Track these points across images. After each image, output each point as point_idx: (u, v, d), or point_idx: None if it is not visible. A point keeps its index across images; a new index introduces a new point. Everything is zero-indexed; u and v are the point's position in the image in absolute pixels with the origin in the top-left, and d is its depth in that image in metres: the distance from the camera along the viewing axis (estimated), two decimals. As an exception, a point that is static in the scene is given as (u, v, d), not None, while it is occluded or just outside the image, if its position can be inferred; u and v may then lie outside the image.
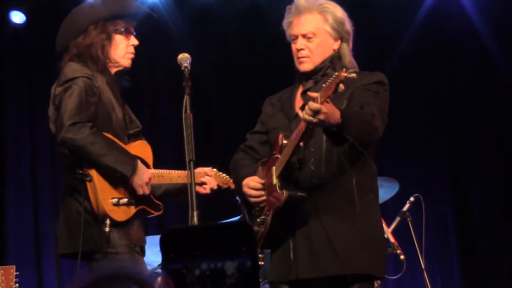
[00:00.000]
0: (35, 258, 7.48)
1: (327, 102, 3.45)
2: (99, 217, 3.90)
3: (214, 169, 4.38)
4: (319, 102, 3.43)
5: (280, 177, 3.80)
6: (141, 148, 4.16)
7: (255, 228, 3.86)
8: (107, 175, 3.92)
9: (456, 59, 7.86)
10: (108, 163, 3.89)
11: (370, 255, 3.79)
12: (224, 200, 6.62)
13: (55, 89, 4.06)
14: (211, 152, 6.17)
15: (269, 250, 4.01)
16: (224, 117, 7.69)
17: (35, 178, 7.72)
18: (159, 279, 1.79)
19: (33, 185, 7.71)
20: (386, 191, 5.86)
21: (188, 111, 3.69)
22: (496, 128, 7.78)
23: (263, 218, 3.85)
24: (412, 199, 5.76)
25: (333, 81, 3.45)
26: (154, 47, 7.60)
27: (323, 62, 3.94)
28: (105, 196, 3.91)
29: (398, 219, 5.73)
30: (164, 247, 1.95)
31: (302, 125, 3.62)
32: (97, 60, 4.09)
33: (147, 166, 4.13)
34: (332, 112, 3.48)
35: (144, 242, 4.12)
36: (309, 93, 3.61)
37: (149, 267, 4.42)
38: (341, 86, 3.43)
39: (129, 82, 4.27)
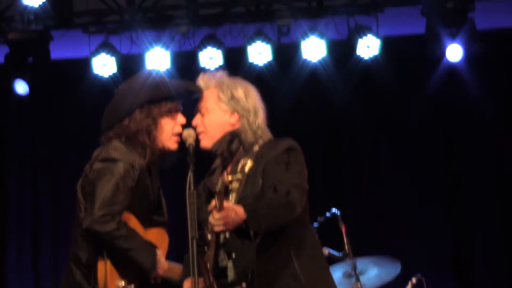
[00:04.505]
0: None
1: (228, 206, 3.49)
2: None
3: None
4: (218, 210, 3.48)
5: (214, 274, 3.74)
6: (158, 236, 4.10)
7: None
8: (120, 258, 3.91)
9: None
10: (131, 257, 3.89)
11: None
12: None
13: (94, 164, 4.00)
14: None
15: None
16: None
17: (36, 246, 7.74)
18: None
19: (34, 254, 7.72)
20: (388, 272, 5.82)
21: (192, 188, 3.68)
22: (502, 211, 7.78)
23: None
24: (414, 280, 5.71)
25: (220, 186, 3.47)
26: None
27: (221, 138, 3.94)
28: (113, 279, 3.90)
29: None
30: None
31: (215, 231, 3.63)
32: (144, 145, 4.01)
33: None
34: (233, 215, 3.51)
35: None
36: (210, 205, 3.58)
37: None
38: (234, 185, 3.50)
39: (172, 163, 4.17)
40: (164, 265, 4.00)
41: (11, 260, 7.71)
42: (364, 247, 6.19)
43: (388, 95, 7.92)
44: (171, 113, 4.08)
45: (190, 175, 3.70)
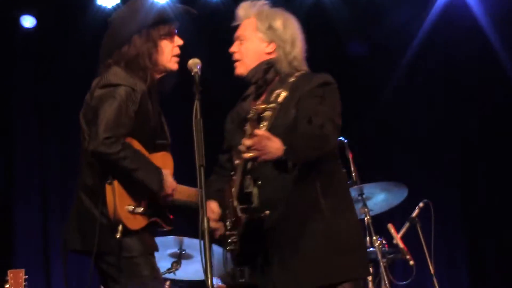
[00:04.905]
0: (44, 262, 7.49)
1: (261, 134, 3.50)
2: (112, 222, 3.90)
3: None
4: (248, 136, 3.51)
5: (239, 199, 3.76)
6: (163, 160, 4.13)
7: (229, 248, 3.85)
8: (127, 181, 3.93)
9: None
10: (138, 177, 3.90)
11: (344, 260, 3.75)
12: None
13: (95, 91, 4.02)
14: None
15: None
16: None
17: (43, 179, 7.75)
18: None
19: (42, 188, 7.73)
20: (394, 196, 5.86)
21: (199, 116, 3.69)
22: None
23: (234, 239, 3.82)
24: (421, 204, 5.76)
25: (254, 113, 3.51)
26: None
27: (257, 67, 3.97)
28: (122, 202, 3.91)
29: (407, 224, 5.73)
30: None
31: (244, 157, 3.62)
32: (145, 69, 4.06)
33: None
34: (269, 144, 3.52)
35: (156, 248, 4.12)
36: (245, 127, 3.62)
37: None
38: (267, 113, 3.51)
39: (173, 84, 4.24)
40: (172, 183, 4.02)
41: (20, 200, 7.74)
42: (371, 174, 6.23)
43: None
44: (169, 35, 4.16)
45: (196, 104, 3.71)
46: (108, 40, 4.16)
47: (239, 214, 3.74)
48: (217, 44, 7.70)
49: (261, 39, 4.00)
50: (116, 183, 3.90)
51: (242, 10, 4.09)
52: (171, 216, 4.14)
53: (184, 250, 5.89)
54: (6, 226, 7.57)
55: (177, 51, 4.19)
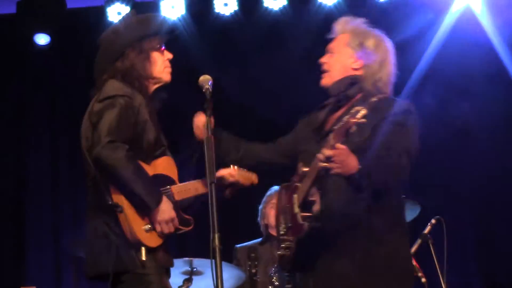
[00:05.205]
0: (56, 279, 7.49)
1: (342, 148, 3.53)
2: (132, 244, 3.88)
3: (235, 167, 4.41)
4: (330, 147, 3.53)
5: (301, 207, 3.80)
6: (165, 164, 4.15)
7: (281, 251, 3.89)
8: (136, 203, 3.91)
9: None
10: (136, 190, 3.87)
11: (389, 283, 3.77)
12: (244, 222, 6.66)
13: (94, 105, 4.05)
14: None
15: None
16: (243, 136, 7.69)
17: (55, 198, 7.76)
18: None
19: (53, 205, 7.74)
20: (407, 213, 5.82)
21: (210, 132, 3.68)
22: None
23: (288, 244, 3.86)
24: (433, 221, 5.73)
25: (342, 126, 3.52)
26: (174, 68, 7.64)
27: (341, 80, 4.01)
28: (138, 225, 3.90)
29: (419, 241, 5.69)
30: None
31: (318, 166, 3.65)
32: (140, 79, 4.14)
33: (172, 181, 4.13)
34: (346, 160, 3.55)
35: (171, 264, 4.11)
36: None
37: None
38: (353, 128, 3.51)
39: (167, 94, 4.29)
40: (170, 211, 3.96)
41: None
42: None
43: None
44: (159, 47, 4.25)
45: (207, 120, 3.71)
46: (101, 57, 4.23)
47: (300, 221, 3.76)
48: (228, 58, 7.84)
49: (350, 54, 4.06)
50: (126, 208, 3.88)
51: (339, 25, 4.17)
52: (187, 217, 4.12)
53: (195, 268, 5.88)
54: (18, 241, 7.59)
55: (168, 63, 4.27)
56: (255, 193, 6.53)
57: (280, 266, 3.94)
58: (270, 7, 7.74)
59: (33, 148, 7.84)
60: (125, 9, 7.60)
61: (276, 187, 6.55)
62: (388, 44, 4.11)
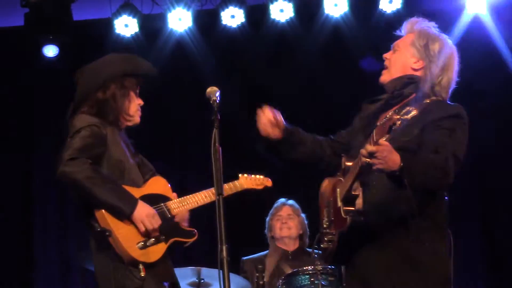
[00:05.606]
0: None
1: (386, 144, 3.51)
2: (129, 263, 3.93)
3: (245, 175, 4.40)
4: (373, 143, 3.52)
5: (344, 201, 3.80)
6: (156, 184, 4.21)
7: (325, 244, 3.92)
8: (114, 213, 3.94)
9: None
10: (106, 200, 3.92)
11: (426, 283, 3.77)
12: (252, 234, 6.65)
13: (66, 141, 4.12)
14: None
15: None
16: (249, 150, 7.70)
17: (62, 211, 7.77)
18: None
19: (61, 217, 7.75)
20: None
21: (217, 144, 3.68)
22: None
23: (331, 237, 3.89)
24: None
25: (385, 122, 3.51)
26: (182, 80, 7.67)
27: (399, 78, 4.01)
28: (130, 244, 3.94)
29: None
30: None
31: (361, 162, 3.64)
32: (114, 110, 4.20)
33: (165, 198, 4.18)
34: (389, 156, 3.53)
35: (173, 278, 4.11)
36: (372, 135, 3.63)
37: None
38: (397, 123, 3.47)
39: (133, 139, 4.35)
40: (147, 208, 4.02)
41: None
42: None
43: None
44: (136, 88, 4.33)
45: (215, 132, 3.71)
46: (82, 86, 4.29)
47: (343, 215, 3.77)
48: (235, 70, 7.84)
49: (412, 54, 4.05)
50: (114, 231, 3.93)
51: (409, 24, 4.17)
52: (189, 229, 4.15)
53: (202, 279, 5.87)
54: (25, 255, 7.61)
55: (139, 107, 4.33)
56: (262, 205, 6.56)
57: (323, 258, 3.95)
58: (277, 19, 7.74)
59: (40, 160, 7.85)
60: (132, 21, 7.62)
61: (282, 200, 6.55)
62: (454, 51, 4.10)
